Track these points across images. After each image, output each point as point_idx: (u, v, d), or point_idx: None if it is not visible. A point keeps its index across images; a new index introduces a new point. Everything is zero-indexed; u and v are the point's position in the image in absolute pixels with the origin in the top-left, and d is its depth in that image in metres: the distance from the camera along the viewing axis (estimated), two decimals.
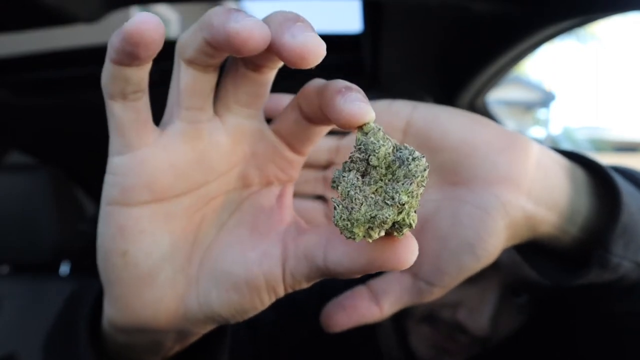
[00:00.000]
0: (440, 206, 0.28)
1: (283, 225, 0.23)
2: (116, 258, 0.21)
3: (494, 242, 0.26)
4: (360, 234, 0.17)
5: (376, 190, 0.17)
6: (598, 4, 0.70)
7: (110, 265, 0.22)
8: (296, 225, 0.23)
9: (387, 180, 0.17)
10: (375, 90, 1.24)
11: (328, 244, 0.20)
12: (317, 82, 0.21)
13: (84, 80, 1.24)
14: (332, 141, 0.30)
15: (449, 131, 0.27)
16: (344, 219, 0.17)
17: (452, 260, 0.27)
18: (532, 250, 0.31)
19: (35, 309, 1.10)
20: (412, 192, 0.17)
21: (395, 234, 0.17)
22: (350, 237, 0.17)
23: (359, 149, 0.17)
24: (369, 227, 0.17)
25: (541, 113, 10.66)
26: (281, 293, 0.22)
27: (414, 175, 0.17)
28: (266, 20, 0.18)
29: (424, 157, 0.17)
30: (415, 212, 0.17)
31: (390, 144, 0.17)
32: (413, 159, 0.17)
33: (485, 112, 1.24)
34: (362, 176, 0.17)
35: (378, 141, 0.17)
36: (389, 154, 0.17)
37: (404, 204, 0.16)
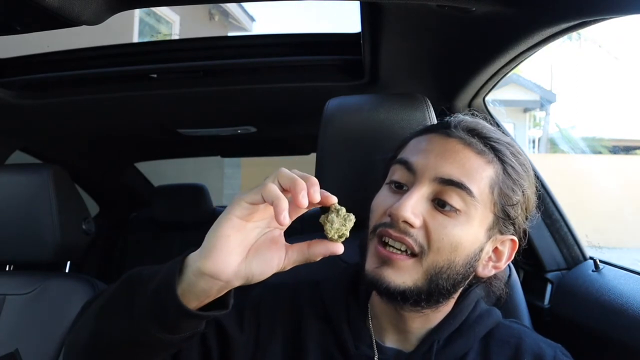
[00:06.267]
0: None
1: (282, 243, 0.56)
2: (224, 235, 0.50)
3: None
4: (337, 239, 0.56)
5: (342, 223, 0.56)
6: (595, 7, 0.71)
7: (218, 237, 0.50)
8: (286, 244, 0.56)
9: (342, 221, 0.55)
10: (374, 90, 1.24)
11: (309, 246, 0.55)
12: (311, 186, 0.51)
13: (87, 80, 1.25)
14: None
15: None
16: (332, 232, 0.55)
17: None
18: None
19: (37, 307, 1.10)
20: (349, 227, 0.55)
21: (339, 240, 0.56)
22: (331, 239, 0.56)
23: (335, 210, 0.56)
24: (339, 236, 0.56)
25: (539, 113, 10.72)
26: (283, 268, 0.55)
27: (350, 221, 0.55)
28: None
29: (352, 214, 0.56)
30: (348, 233, 0.56)
31: (343, 210, 0.56)
32: (349, 215, 0.55)
33: (483, 113, 1.25)
34: (336, 217, 0.56)
35: (339, 208, 0.56)
36: (344, 213, 0.56)
37: (347, 230, 0.56)
